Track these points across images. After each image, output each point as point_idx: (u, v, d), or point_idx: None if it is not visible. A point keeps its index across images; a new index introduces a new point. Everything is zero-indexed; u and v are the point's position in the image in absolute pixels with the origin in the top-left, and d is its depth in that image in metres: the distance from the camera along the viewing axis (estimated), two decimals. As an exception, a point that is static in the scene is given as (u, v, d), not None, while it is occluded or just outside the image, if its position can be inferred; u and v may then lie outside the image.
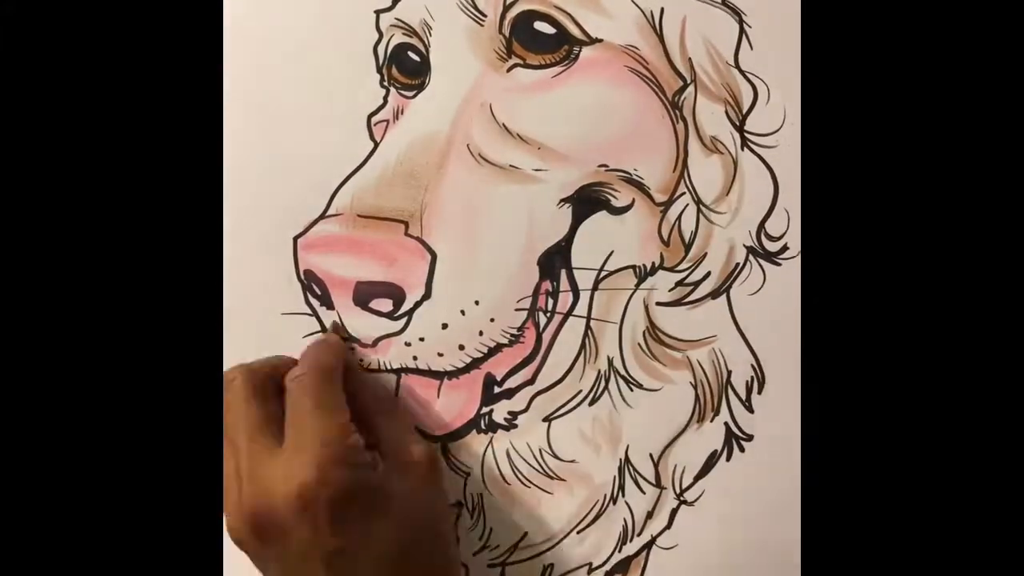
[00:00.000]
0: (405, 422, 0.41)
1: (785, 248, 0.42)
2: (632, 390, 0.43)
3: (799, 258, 0.42)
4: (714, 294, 0.43)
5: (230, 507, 0.36)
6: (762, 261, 0.42)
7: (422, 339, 0.41)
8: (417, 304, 0.41)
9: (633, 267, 0.43)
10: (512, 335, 0.42)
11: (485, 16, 0.42)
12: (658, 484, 0.43)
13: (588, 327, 0.43)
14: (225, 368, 0.40)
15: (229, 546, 0.39)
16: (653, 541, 0.44)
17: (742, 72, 0.42)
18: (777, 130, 0.42)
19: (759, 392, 0.43)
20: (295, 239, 0.43)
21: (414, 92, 0.43)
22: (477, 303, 0.41)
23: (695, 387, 0.43)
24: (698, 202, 0.42)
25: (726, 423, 0.43)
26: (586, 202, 0.42)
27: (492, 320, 0.42)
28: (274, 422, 0.36)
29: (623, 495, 0.43)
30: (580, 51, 0.42)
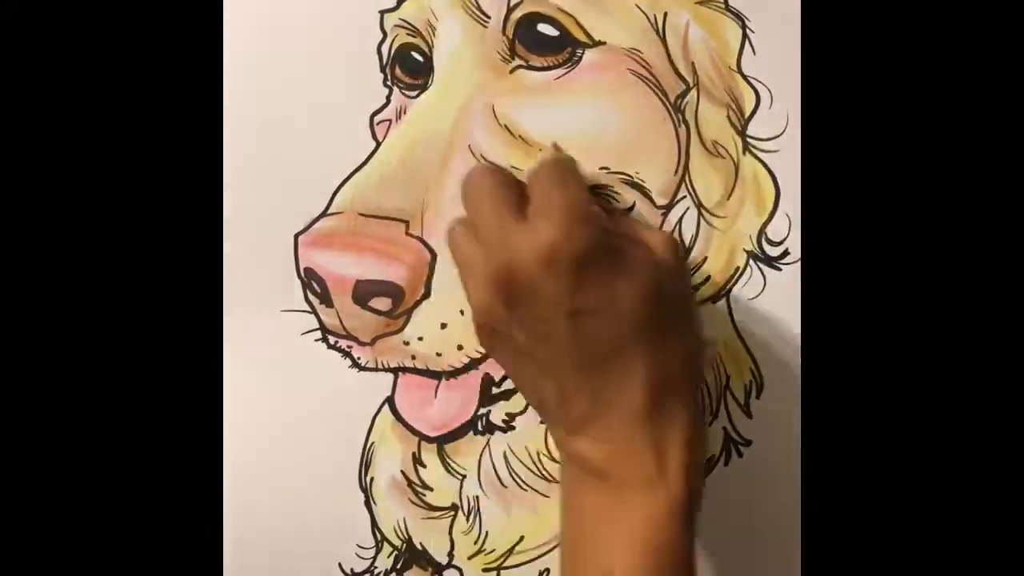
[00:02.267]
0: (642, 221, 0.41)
1: (786, 253, 0.42)
2: (630, 393, 0.43)
3: (799, 263, 0.42)
4: (714, 298, 0.43)
5: (476, 282, 0.37)
6: (762, 266, 0.42)
7: (421, 338, 0.41)
8: (416, 303, 0.41)
9: (633, 269, 0.43)
10: (511, 336, 0.42)
11: (489, 17, 0.42)
12: (655, 488, 0.43)
13: (587, 329, 0.43)
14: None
15: (229, 546, 0.39)
16: (649, 546, 0.43)
17: (744, 77, 0.42)
18: (779, 135, 0.42)
19: (757, 397, 0.43)
20: (296, 236, 0.43)
21: (417, 92, 0.43)
22: (476, 303, 0.41)
23: (694, 391, 0.43)
24: (699, 206, 0.42)
25: (724, 428, 0.43)
26: (587, 204, 0.42)
27: (491, 320, 0.41)
28: (518, 199, 0.36)
29: (620, 499, 0.43)
30: (583, 54, 0.42)
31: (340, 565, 0.45)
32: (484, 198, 0.37)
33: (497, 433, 0.43)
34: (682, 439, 0.35)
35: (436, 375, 0.42)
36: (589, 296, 0.34)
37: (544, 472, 0.43)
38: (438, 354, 0.42)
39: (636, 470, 0.35)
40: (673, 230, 0.42)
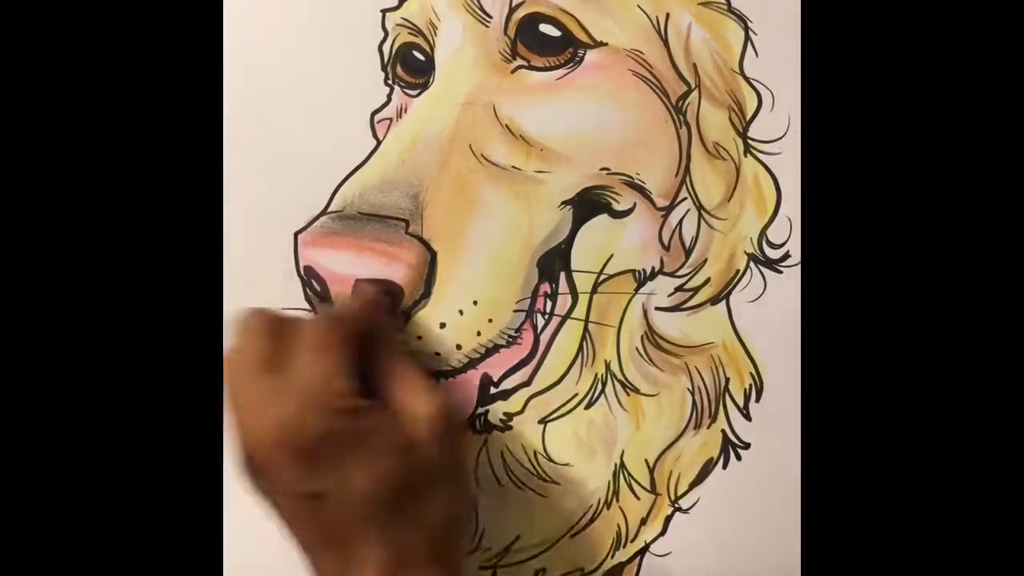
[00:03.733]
0: (419, 380, 0.40)
1: (787, 256, 0.42)
2: (629, 395, 0.43)
3: (800, 266, 0.42)
4: (714, 300, 0.42)
5: (230, 438, 0.37)
6: (763, 268, 0.42)
7: (419, 338, 0.41)
8: (415, 303, 0.41)
9: (633, 271, 0.43)
10: (510, 336, 0.42)
11: (491, 17, 0.42)
12: (653, 490, 0.43)
13: (586, 330, 0.43)
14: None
15: (229, 546, 0.39)
16: (647, 548, 0.44)
17: (746, 79, 0.42)
18: (780, 137, 0.42)
19: (757, 400, 0.43)
20: (296, 234, 0.43)
21: (418, 91, 0.43)
22: (475, 303, 0.41)
23: (692, 393, 0.43)
24: (699, 207, 0.42)
25: (723, 431, 0.43)
26: (587, 205, 0.42)
27: (490, 321, 0.41)
28: (279, 361, 0.36)
29: (617, 500, 0.43)
30: (585, 54, 0.42)
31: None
32: (247, 352, 0.36)
33: (495, 432, 0.43)
34: None
35: (435, 375, 0.42)
36: (321, 480, 0.35)
37: (541, 472, 0.43)
38: (437, 354, 0.42)
39: None
40: (673, 234, 0.42)
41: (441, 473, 0.37)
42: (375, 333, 0.39)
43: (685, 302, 0.42)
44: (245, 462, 0.36)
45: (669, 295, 0.42)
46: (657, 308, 0.43)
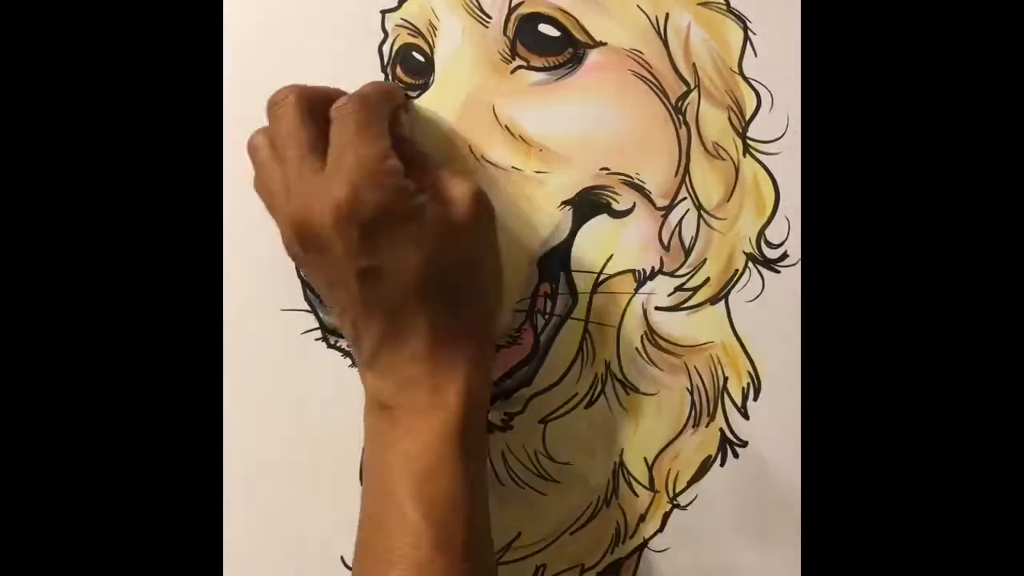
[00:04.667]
0: (453, 163, 0.42)
1: (785, 256, 0.42)
2: (628, 394, 0.43)
3: (799, 266, 0.42)
4: (713, 300, 0.43)
5: (278, 215, 0.38)
6: (761, 268, 0.42)
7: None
8: (416, 303, 0.41)
9: (633, 271, 0.43)
10: (510, 336, 0.42)
11: (490, 18, 0.42)
12: (652, 487, 0.44)
13: (586, 330, 0.43)
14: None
15: (229, 546, 0.39)
16: (645, 544, 0.44)
17: (746, 79, 0.42)
18: (779, 137, 0.42)
19: (755, 399, 0.43)
20: (296, 235, 0.43)
21: (418, 92, 0.43)
22: (476, 303, 0.41)
23: (691, 392, 0.43)
24: (699, 207, 0.42)
25: (721, 429, 0.43)
26: (587, 205, 0.42)
27: (490, 321, 0.42)
28: (322, 144, 0.37)
29: (616, 498, 0.44)
30: (584, 54, 0.42)
31: (342, 558, 0.45)
32: (291, 137, 0.37)
33: (495, 432, 0.44)
34: (457, 384, 0.37)
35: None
36: (376, 257, 0.36)
37: (541, 471, 0.44)
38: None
39: (413, 403, 0.37)
40: (672, 234, 0.42)
41: (479, 255, 0.39)
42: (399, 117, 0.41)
43: (684, 302, 0.43)
44: (295, 238, 0.36)
45: (669, 295, 0.43)
46: (657, 308, 0.43)
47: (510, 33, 0.42)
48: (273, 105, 0.38)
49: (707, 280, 0.43)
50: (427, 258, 0.36)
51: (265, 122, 0.39)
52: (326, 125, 0.37)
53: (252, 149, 0.39)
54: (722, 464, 0.43)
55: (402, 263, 0.36)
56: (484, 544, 0.38)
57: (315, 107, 0.38)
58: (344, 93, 0.39)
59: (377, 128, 0.37)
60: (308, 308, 0.44)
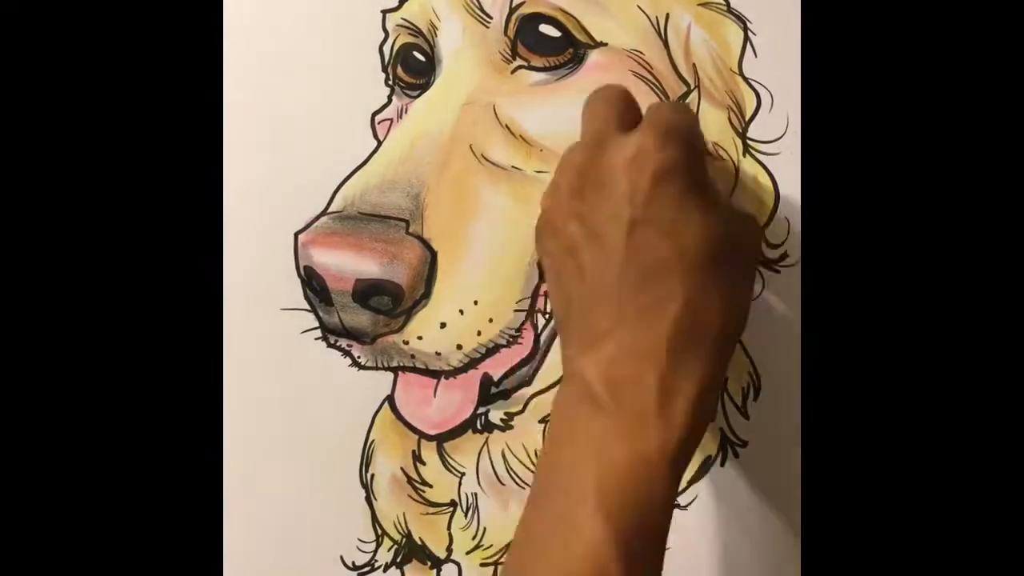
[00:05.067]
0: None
1: (785, 256, 0.42)
2: (628, 394, 0.43)
3: (799, 266, 0.42)
4: (713, 300, 0.43)
5: (560, 169, 0.36)
6: (761, 268, 0.42)
7: (420, 338, 0.42)
8: (416, 303, 0.41)
9: (632, 271, 0.43)
10: (510, 336, 0.42)
11: (491, 18, 0.42)
12: (652, 488, 0.43)
13: (586, 330, 0.43)
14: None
15: (229, 546, 0.39)
16: (646, 544, 0.44)
17: (746, 79, 0.42)
18: (779, 138, 0.42)
19: (755, 399, 0.43)
20: (296, 235, 0.43)
21: (418, 92, 0.43)
22: (476, 303, 0.41)
23: (691, 392, 0.43)
24: (699, 208, 0.42)
25: (721, 429, 0.43)
26: (587, 205, 0.42)
27: (491, 321, 0.42)
28: (632, 119, 0.36)
29: (617, 498, 0.43)
30: (585, 54, 0.42)
31: (342, 558, 0.45)
32: (599, 108, 0.37)
33: (496, 432, 0.44)
34: (693, 388, 0.33)
35: (435, 374, 0.43)
36: (657, 212, 0.33)
37: (542, 471, 0.44)
38: (437, 353, 0.42)
39: (636, 403, 0.32)
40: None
41: (746, 272, 0.38)
42: None
43: (684, 302, 0.43)
44: (579, 175, 0.35)
45: (669, 295, 0.43)
46: (657, 308, 0.43)
47: (511, 33, 0.42)
48: (588, 98, 0.38)
49: (707, 280, 0.42)
50: (706, 234, 0.33)
51: (264, 122, 0.39)
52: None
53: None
54: (722, 464, 0.43)
55: (681, 229, 0.33)
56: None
57: (630, 101, 0.37)
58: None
59: (693, 115, 0.38)
60: (308, 308, 0.44)
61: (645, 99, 0.42)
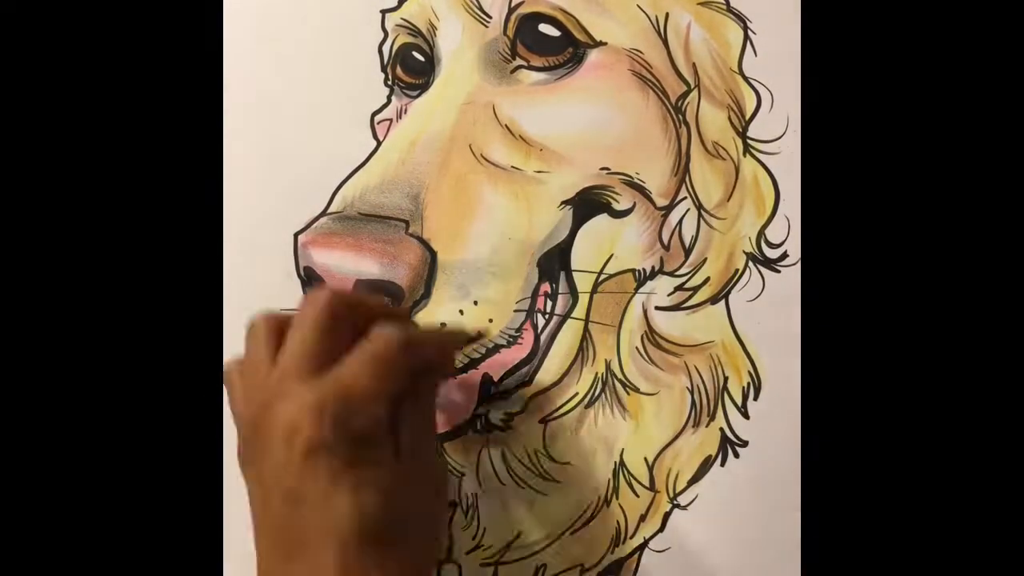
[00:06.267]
0: (432, 431, 0.40)
1: (785, 255, 0.42)
2: (629, 393, 0.43)
3: (799, 265, 0.42)
4: (713, 299, 0.43)
5: (248, 387, 0.35)
6: (761, 268, 0.42)
7: (420, 338, 0.41)
8: (416, 303, 0.41)
9: (633, 271, 0.43)
10: (510, 336, 0.42)
11: (490, 17, 0.42)
12: (652, 487, 0.43)
13: (586, 330, 0.43)
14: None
15: (229, 546, 0.39)
16: (645, 544, 0.44)
17: (746, 78, 0.42)
18: (779, 137, 0.42)
19: (755, 399, 0.43)
20: (296, 235, 0.43)
21: (418, 92, 0.43)
22: (476, 304, 0.41)
23: (691, 392, 0.43)
24: (699, 207, 0.42)
25: (721, 429, 0.43)
26: (587, 205, 0.42)
27: (490, 321, 0.42)
28: (329, 356, 0.34)
29: (617, 497, 0.44)
30: (584, 54, 0.42)
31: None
32: (300, 334, 0.35)
33: (495, 432, 0.44)
34: None
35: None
36: (309, 486, 0.33)
37: (541, 471, 0.44)
38: (437, 353, 0.42)
39: None
40: (673, 234, 0.42)
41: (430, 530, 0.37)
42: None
43: (685, 301, 0.43)
44: (241, 434, 0.34)
45: (669, 294, 0.43)
46: (657, 307, 0.43)
47: (510, 33, 0.42)
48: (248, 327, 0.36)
49: (707, 280, 0.43)
50: (361, 515, 0.33)
51: (264, 122, 0.39)
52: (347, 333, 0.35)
53: (252, 325, 0.36)
54: (722, 464, 0.43)
55: (331, 508, 0.33)
56: None
57: (341, 316, 0.35)
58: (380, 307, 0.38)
59: (393, 370, 0.34)
60: (308, 308, 0.43)
61: (645, 99, 0.42)
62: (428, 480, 0.37)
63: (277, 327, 0.35)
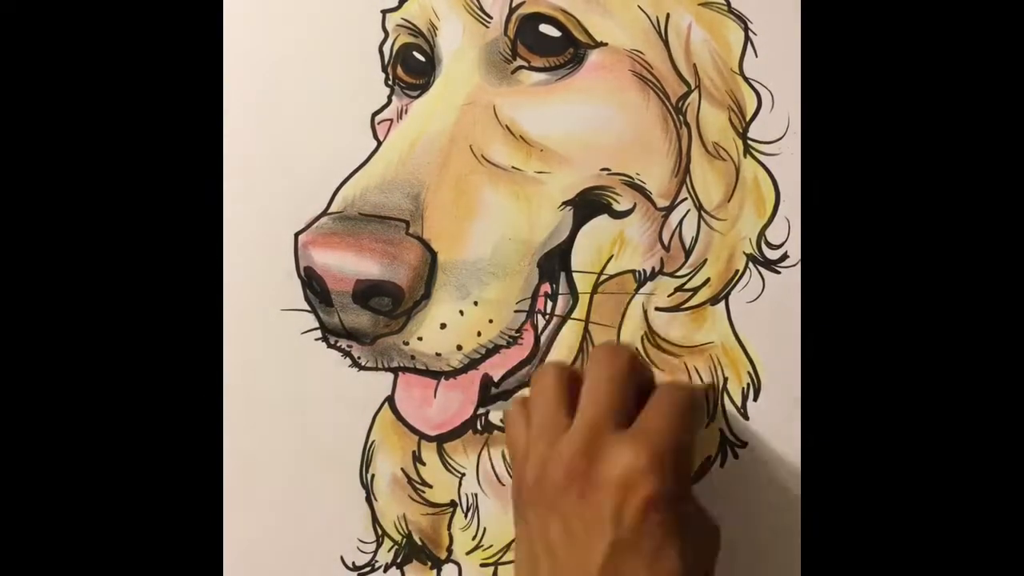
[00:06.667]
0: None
1: (785, 256, 0.42)
2: (628, 394, 0.43)
3: (799, 266, 0.42)
4: (713, 300, 0.43)
5: (546, 437, 0.36)
6: (762, 269, 0.42)
7: (420, 339, 0.42)
8: (416, 304, 0.41)
9: (633, 271, 0.43)
10: (510, 337, 0.42)
11: (491, 18, 0.42)
12: (652, 488, 0.43)
13: (586, 330, 0.43)
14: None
15: (229, 546, 0.39)
16: (645, 545, 0.44)
17: (746, 79, 0.42)
18: (780, 138, 0.42)
19: (755, 400, 0.43)
20: (296, 235, 0.43)
21: (418, 92, 0.43)
22: (476, 304, 0.41)
23: (691, 393, 0.43)
24: (699, 208, 0.42)
25: (721, 429, 0.43)
26: (587, 205, 0.42)
27: (491, 321, 0.42)
28: (632, 406, 0.36)
29: (617, 498, 0.43)
30: (585, 54, 0.42)
31: (342, 558, 0.45)
32: (596, 394, 0.37)
33: (496, 432, 0.44)
34: None
35: (435, 375, 0.43)
36: (642, 539, 0.33)
37: (542, 471, 0.44)
38: (437, 354, 0.42)
39: None
40: (673, 235, 0.42)
41: None
42: None
43: (685, 302, 0.43)
44: (537, 484, 0.35)
45: (669, 295, 0.43)
46: (657, 308, 0.43)
47: (511, 33, 0.42)
48: (533, 378, 0.39)
49: (707, 281, 0.43)
50: (684, 566, 0.34)
51: (264, 122, 0.39)
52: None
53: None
54: (722, 465, 0.43)
55: (660, 564, 0.33)
56: None
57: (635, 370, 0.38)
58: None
59: (697, 414, 0.38)
60: (308, 308, 0.44)
61: (645, 100, 0.42)
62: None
63: (570, 376, 0.38)
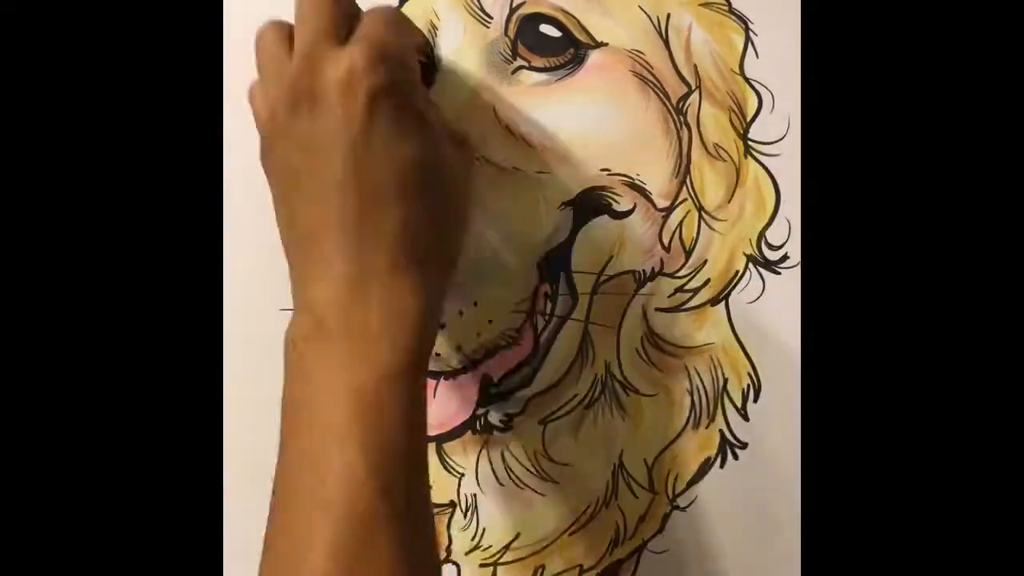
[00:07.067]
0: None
1: (785, 257, 0.42)
2: (628, 395, 0.43)
3: (799, 267, 0.42)
4: (713, 301, 0.43)
5: (271, 82, 0.36)
6: (762, 269, 0.42)
7: (420, 339, 0.41)
8: (416, 303, 0.41)
9: (633, 272, 0.43)
10: (510, 337, 0.42)
11: (491, 18, 0.42)
12: (651, 489, 0.44)
13: (586, 331, 0.43)
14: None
15: (229, 546, 0.39)
16: (644, 545, 0.44)
17: (747, 80, 0.42)
18: (780, 139, 0.42)
19: (755, 400, 0.43)
20: (296, 235, 0.43)
21: (418, 92, 0.43)
22: (476, 304, 0.41)
23: (691, 393, 0.43)
24: (700, 208, 0.42)
25: (721, 430, 0.43)
26: (587, 206, 0.42)
27: (490, 322, 0.42)
28: (344, 26, 0.35)
29: (616, 499, 0.44)
30: (585, 54, 0.42)
31: (340, 559, 0.45)
32: (310, 17, 0.35)
33: (495, 433, 0.44)
34: (417, 305, 0.34)
35: (435, 375, 0.43)
36: (373, 135, 0.33)
37: (541, 472, 0.44)
38: (437, 354, 0.42)
39: (363, 328, 0.33)
40: (673, 235, 0.42)
41: (461, 186, 0.38)
42: None
43: (685, 303, 0.43)
44: (291, 99, 0.34)
45: (669, 296, 0.43)
46: (657, 309, 0.43)
47: (511, 33, 0.42)
48: None
49: (707, 281, 0.43)
50: (422, 153, 0.34)
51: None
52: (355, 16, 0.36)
53: (261, 30, 0.37)
54: (722, 466, 0.43)
55: (397, 147, 0.34)
56: (426, 499, 0.35)
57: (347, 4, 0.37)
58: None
59: (411, 27, 0.37)
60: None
61: (646, 100, 0.42)
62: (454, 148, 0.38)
63: (286, 29, 0.36)
